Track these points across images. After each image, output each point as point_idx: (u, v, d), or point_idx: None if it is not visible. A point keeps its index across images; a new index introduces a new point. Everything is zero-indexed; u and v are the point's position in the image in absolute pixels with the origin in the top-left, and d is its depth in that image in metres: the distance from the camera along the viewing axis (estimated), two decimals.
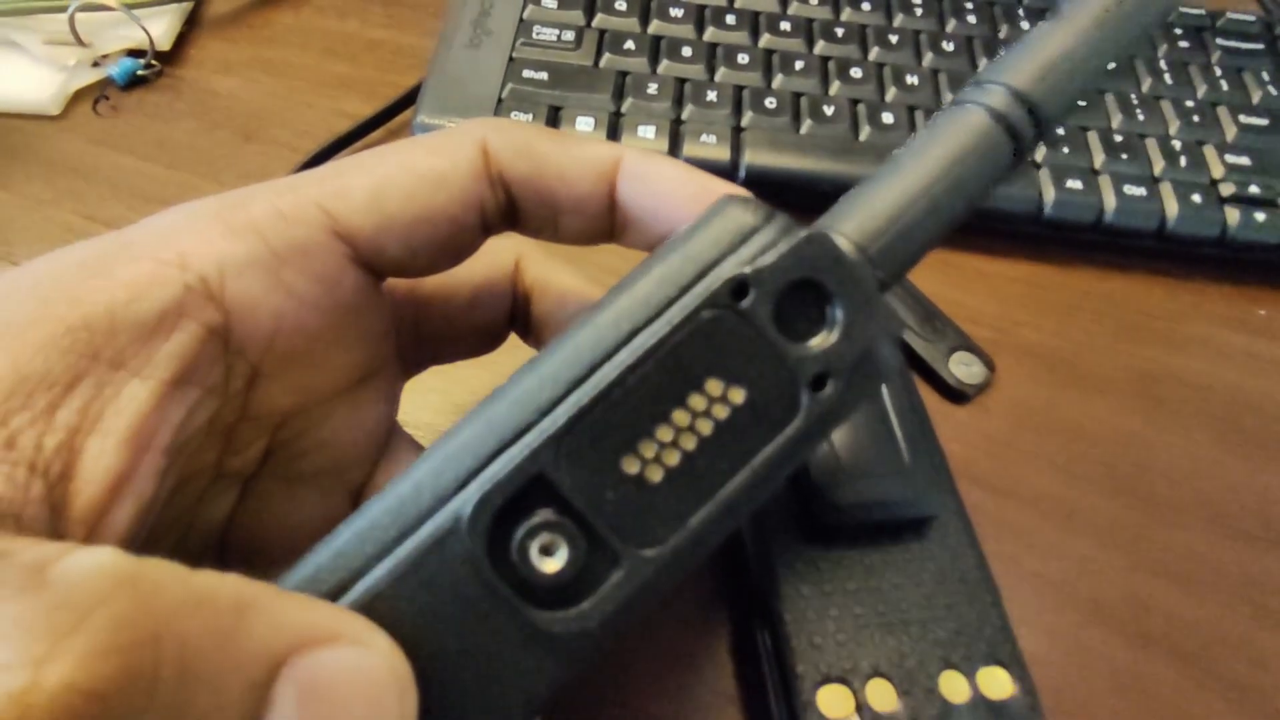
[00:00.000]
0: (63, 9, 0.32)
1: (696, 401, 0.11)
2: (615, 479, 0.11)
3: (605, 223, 0.16)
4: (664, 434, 0.11)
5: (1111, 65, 0.13)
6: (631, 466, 0.11)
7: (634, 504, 0.11)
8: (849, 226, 0.13)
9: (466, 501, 0.10)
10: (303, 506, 0.16)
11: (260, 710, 0.09)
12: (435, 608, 0.10)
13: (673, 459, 0.11)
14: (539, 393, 0.11)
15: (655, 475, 0.11)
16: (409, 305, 0.18)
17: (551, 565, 0.10)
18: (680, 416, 0.11)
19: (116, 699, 0.08)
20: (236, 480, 0.16)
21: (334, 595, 0.11)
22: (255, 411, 0.15)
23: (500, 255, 0.19)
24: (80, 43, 0.32)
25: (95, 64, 0.33)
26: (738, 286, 0.11)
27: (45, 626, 0.08)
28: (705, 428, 0.11)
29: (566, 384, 0.11)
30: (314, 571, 0.11)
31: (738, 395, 0.11)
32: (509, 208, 0.16)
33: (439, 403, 0.25)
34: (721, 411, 0.11)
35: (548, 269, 0.19)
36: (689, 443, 0.11)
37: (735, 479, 0.11)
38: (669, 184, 0.15)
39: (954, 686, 0.18)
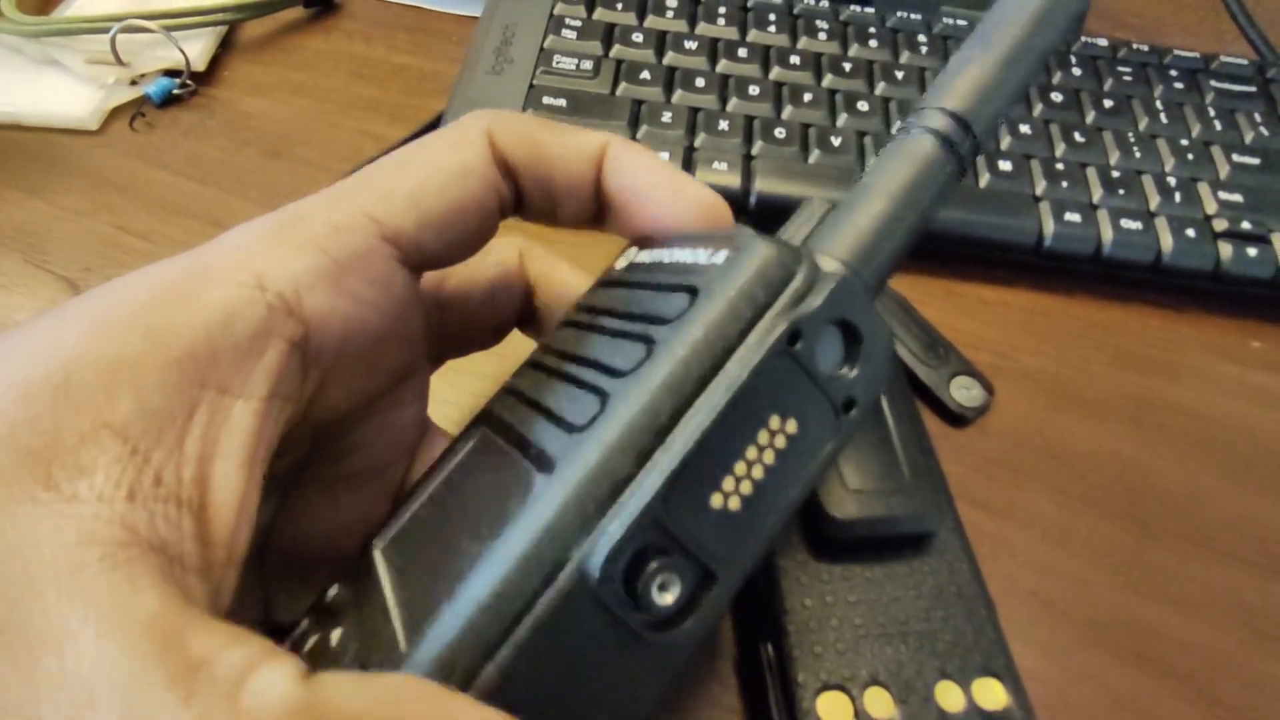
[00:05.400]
0: (105, 30, 0.33)
1: (763, 437, 0.12)
2: (707, 514, 0.12)
3: (594, 206, 0.17)
4: (740, 469, 0.12)
5: (1028, 83, 0.16)
6: (718, 501, 0.12)
7: (723, 531, 0.12)
8: (840, 249, 0.14)
9: (590, 558, 0.11)
10: (342, 509, 0.17)
11: None
12: (572, 654, 0.11)
13: (747, 489, 0.12)
14: (628, 447, 0.12)
15: (735, 505, 0.12)
16: (434, 305, 0.19)
17: (669, 598, 0.12)
18: (751, 452, 0.12)
19: None
20: (279, 485, 0.16)
21: (481, 660, 0.11)
22: (314, 417, 0.15)
23: (508, 250, 0.20)
24: (120, 62, 0.34)
25: (133, 83, 0.35)
26: (793, 334, 0.12)
27: None
28: (769, 458, 0.12)
29: (654, 433, 0.12)
30: (456, 642, 0.11)
31: (792, 426, 0.12)
32: (517, 193, 0.17)
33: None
34: (781, 442, 0.12)
35: (548, 263, 0.20)
36: (758, 473, 0.12)
37: (792, 494, 0.13)
38: (643, 173, 0.16)
39: (949, 696, 0.19)
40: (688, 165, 0.31)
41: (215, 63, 0.37)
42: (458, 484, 0.15)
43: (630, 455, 0.12)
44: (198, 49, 0.36)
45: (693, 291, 0.13)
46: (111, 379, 0.12)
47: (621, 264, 0.17)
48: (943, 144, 0.15)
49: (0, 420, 0.11)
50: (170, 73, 0.35)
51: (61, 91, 0.34)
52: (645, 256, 0.16)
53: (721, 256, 0.13)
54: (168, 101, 0.34)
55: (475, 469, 0.15)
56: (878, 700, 0.19)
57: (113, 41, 0.33)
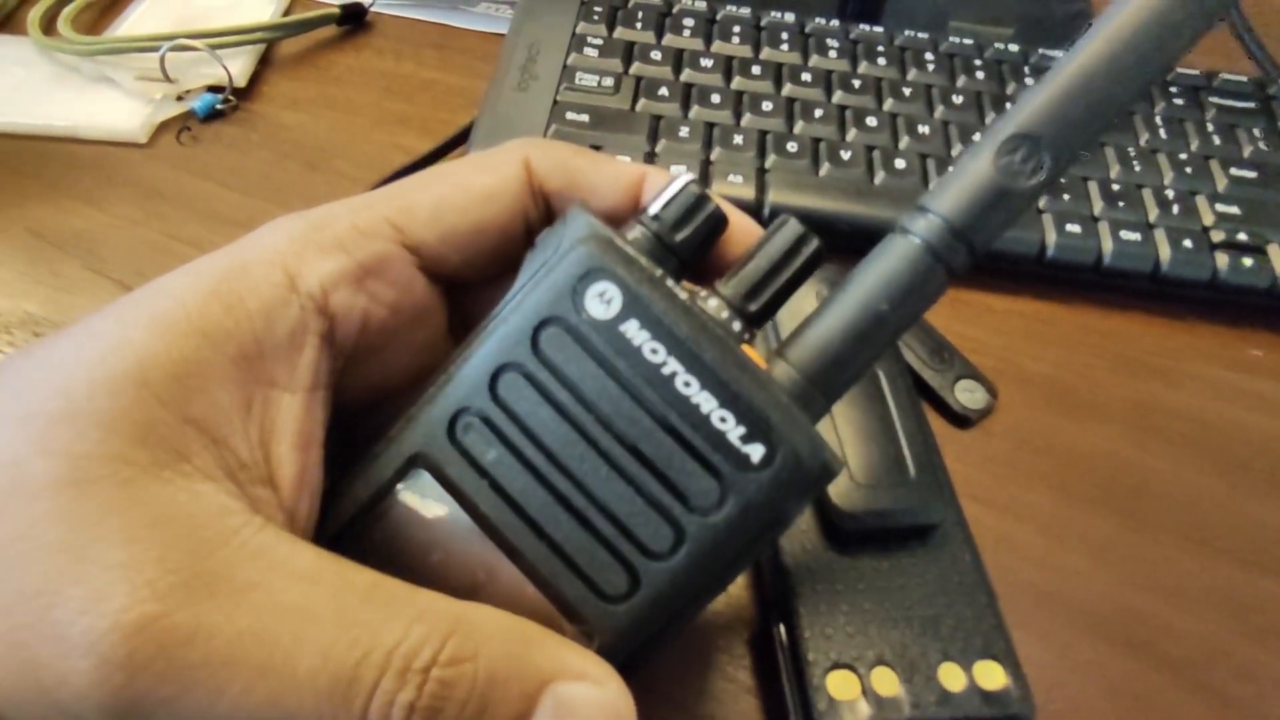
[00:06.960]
0: (154, 49, 0.35)
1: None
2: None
3: None
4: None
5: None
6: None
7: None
8: (802, 358, 0.15)
9: None
10: None
11: (527, 713, 0.13)
12: None
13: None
14: (658, 619, 0.15)
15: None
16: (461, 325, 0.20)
17: None
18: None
19: (455, 679, 0.12)
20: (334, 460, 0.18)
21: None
22: (338, 402, 0.17)
23: None
24: (168, 79, 0.36)
25: (179, 98, 0.37)
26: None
27: (440, 639, 0.13)
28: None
29: (677, 608, 0.15)
30: None
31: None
32: (549, 219, 0.18)
33: None
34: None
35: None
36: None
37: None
38: None
39: (952, 677, 0.20)
40: (704, 178, 0.33)
41: (255, 79, 0.38)
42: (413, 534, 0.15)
43: (655, 625, 0.15)
44: (239, 66, 0.38)
45: (722, 481, 0.14)
46: (182, 380, 0.13)
47: (603, 315, 0.14)
48: (934, 257, 0.15)
49: (96, 409, 0.12)
50: (213, 89, 0.37)
51: (113, 106, 0.36)
52: (646, 346, 0.14)
53: (757, 452, 0.14)
54: (211, 116, 0.36)
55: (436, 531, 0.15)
56: (884, 679, 0.20)
57: (162, 60, 0.35)
